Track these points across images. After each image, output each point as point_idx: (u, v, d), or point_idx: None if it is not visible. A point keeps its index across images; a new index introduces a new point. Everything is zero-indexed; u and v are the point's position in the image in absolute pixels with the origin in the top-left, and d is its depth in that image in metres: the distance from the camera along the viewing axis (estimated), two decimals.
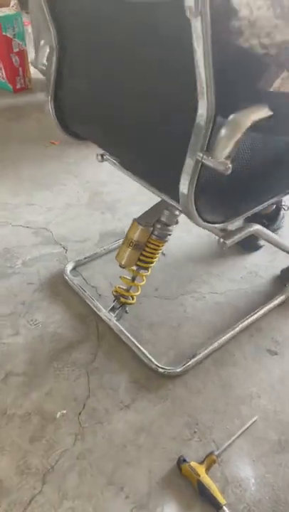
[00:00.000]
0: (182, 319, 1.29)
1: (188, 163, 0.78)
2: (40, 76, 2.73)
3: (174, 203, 1.05)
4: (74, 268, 1.43)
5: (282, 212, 1.56)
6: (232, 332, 1.23)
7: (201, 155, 0.76)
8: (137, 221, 1.15)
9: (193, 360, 1.15)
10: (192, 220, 0.90)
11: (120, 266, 1.19)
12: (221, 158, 0.73)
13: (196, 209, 0.87)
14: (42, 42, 1.01)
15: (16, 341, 1.20)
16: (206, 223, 0.91)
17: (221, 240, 0.97)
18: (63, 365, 1.15)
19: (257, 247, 1.53)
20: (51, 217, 1.65)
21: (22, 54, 2.46)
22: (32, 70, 2.65)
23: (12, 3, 2.45)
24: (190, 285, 1.40)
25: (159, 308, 1.32)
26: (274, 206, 1.52)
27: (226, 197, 0.91)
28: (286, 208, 1.60)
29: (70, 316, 1.27)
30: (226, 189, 0.90)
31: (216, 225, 0.94)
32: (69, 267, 1.41)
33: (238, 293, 1.38)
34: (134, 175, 1.15)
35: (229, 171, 0.74)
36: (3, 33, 2.34)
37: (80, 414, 1.05)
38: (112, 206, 1.70)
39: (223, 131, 0.70)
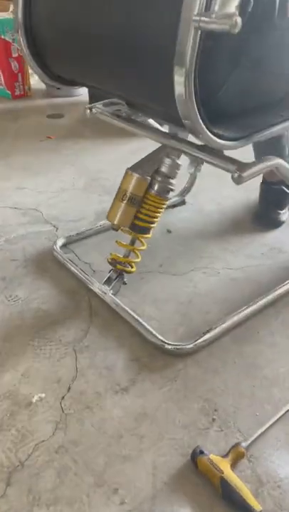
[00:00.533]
0: (193, 295, 1.06)
1: (183, 39, 0.59)
2: (42, 85, 2.67)
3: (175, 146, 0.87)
4: (65, 245, 1.22)
5: None
6: (254, 306, 1.00)
7: (198, 18, 0.58)
8: (131, 170, 0.95)
9: (208, 336, 0.91)
10: (198, 135, 0.70)
11: (113, 227, 0.98)
12: (227, 10, 0.56)
13: (201, 117, 0.68)
14: None
15: None
16: (216, 139, 0.72)
17: (236, 173, 0.78)
18: (45, 343, 0.91)
19: (277, 223, 1.33)
20: (43, 199, 1.46)
21: (21, 59, 2.39)
22: (33, 78, 2.58)
23: (11, 8, 2.41)
24: (201, 261, 1.18)
25: (165, 284, 1.09)
26: None
27: (237, 99, 0.72)
28: None
29: (58, 292, 1.05)
30: (236, 88, 0.71)
31: (231, 143, 0.74)
32: (59, 242, 1.21)
33: (260, 269, 1.16)
34: (128, 123, 0.97)
35: (238, 28, 0.56)
36: (2, 37, 2.28)
37: (63, 398, 0.80)
38: (112, 189, 1.51)
39: None
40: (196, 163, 1.36)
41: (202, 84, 0.65)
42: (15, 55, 2.37)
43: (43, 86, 2.65)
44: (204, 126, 0.69)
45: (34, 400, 0.80)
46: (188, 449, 0.72)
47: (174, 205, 1.42)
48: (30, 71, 2.53)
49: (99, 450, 0.72)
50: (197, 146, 0.84)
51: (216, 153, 0.82)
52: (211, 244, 1.25)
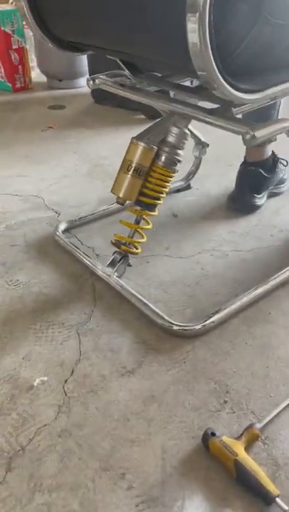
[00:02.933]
0: (200, 277, 1.02)
1: None
2: (43, 78, 2.64)
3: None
4: (67, 230, 1.18)
5: (280, 165, 1.32)
6: (265, 287, 0.95)
7: None
8: (137, 139, 0.90)
9: (217, 316, 0.87)
10: (215, 86, 0.65)
11: (118, 201, 0.94)
12: None
13: (217, 66, 0.63)
14: None
15: None
16: (234, 90, 0.67)
17: (248, 134, 0.73)
18: (47, 326, 0.88)
19: (252, 208, 1.26)
20: (44, 186, 1.43)
21: (22, 51, 2.35)
22: (33, 70, 2.55)
23: (11, 0, 2.39)
24: (208, 244, 1.14)
25: (172, 267, 1.05)
26: (269, 152, 1.29)
27: (257, 55, 0.68)
28: (285, 164, 1.37)
29: (60, 276, 1.02)
30: (256, 44, 0.66)
31: (249, 96, 0.69)
32: (61, 227, 1.17)
33: (269, 250, 1.11)
34: (133, 91, 0.93)
35: None
36: (2, 28, 2.25)
37: (66, 381, 0.76)
38: (114, 174, 1.48)
39: None
40: (201, 145, 1.33)
41: (220, 36, 0.61)
42: (15, 46, 2.33)
43: (44, 79, 2.62)
44: (221, 77, 0.64)
45: (35, 384, 0.76)
46: (199, 431, 0.67)
47: (178, 190, 1.38)
48: (30, 63, 2.51)
49: (104, 434, 0.68)
50: (207, 110, 0.80)
51: (227, 116, 0.78)
52: (219, 228, 1.21)
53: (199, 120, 0.82)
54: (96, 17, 0.77)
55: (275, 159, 1.31)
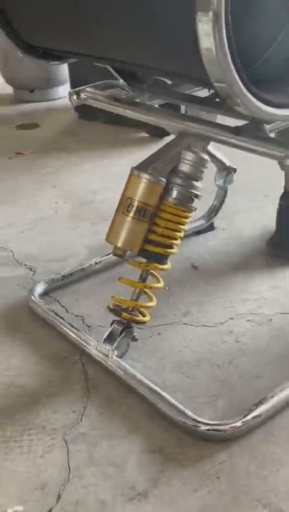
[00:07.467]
0: (235, 353, 1.04)
1: None
2: (8, 89, 2.79)
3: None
4: (46, 293, 1.23)
5: None
6: None
7: None
8: (139, 169, 0.94)
9: (262, 409, 0.88)
10: (237, 101, 0.69)
11: (115, 253, 0.96)
12: None
13: (239, 75, 0.68)
14: None
15: None
16: (263, 105, 0.71)
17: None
18: (22, 432, 0.89)
19: None
20: (13, 233, 1.50)
21: None
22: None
23: None
24: (243, 305, 1.17)
25: (194, 340, 1.08)
26: None
27: (283, 50, 0.73)
28: None
29: (38, 360, 1.04)
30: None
31: (284, 111, 0.74)
32: (38, 289, 1.22)
33: None
34: (131, 106, 0.98)
35: None
36: None
37: (50, 511, 0.76)
38: (110, 214, 1.52)
39: None
40: (226, 171, 1.38)
41: (242, 38, 0.66)
42: None
43: (9, 90, 2.78)
44: (245, 89, 0.68)
45: None
46: None
47: (198, 232, 1.44)
48: None
49: None
50: (231, 129, 0.84)
51: (258, 136, 0.82)
52: (257, 282, 1.25)
53: (221, 142, 0.87)
54: (81, 15, 0.83)
55: None
